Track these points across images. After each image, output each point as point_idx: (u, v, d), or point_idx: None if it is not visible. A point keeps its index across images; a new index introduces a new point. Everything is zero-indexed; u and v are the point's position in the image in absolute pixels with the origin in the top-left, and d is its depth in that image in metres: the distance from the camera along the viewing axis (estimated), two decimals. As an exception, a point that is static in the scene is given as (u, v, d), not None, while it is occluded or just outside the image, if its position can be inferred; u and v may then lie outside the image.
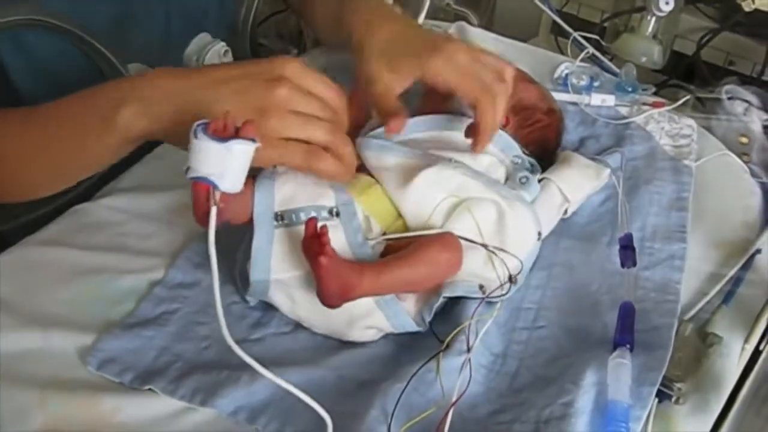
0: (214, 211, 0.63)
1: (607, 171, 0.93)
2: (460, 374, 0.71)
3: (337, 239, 0.74)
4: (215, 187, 0.63)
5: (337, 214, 0.76)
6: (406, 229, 0.80)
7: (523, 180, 0.86)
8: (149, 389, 0.72)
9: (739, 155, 1.07)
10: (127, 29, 0.98)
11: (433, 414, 0.69)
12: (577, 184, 0.91)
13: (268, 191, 0.77)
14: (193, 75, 0.76)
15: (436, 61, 0.83)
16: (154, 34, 1.02)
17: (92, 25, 0.91)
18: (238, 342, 0.62)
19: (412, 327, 0.78)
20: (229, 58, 1.08)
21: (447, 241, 0.77)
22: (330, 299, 0.71)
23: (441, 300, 0.78)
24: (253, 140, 0.63)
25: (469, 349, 0.73)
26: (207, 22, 1.07)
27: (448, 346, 0.74)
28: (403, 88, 0.86)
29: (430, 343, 0.76)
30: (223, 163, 0.62)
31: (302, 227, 0.72)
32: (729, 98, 1.14)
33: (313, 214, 0.75)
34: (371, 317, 0.77)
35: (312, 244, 0.70)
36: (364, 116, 0.89)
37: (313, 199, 0.77)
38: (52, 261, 0.84)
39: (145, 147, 1.00)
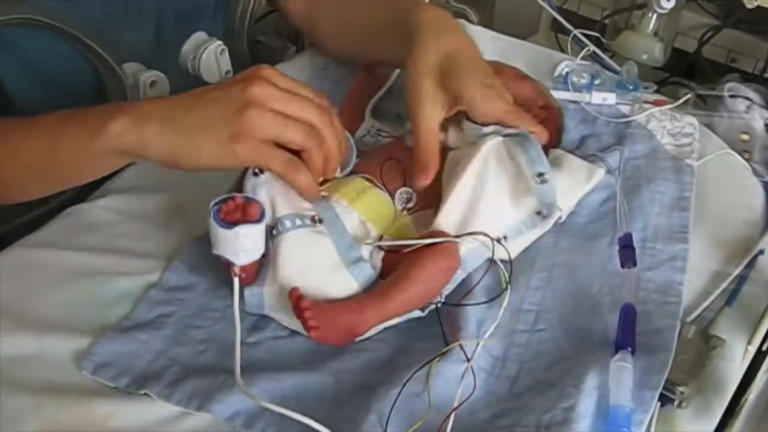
0: (236, 282, 0.71)
1: (601, 171, 0.91)
2: (462, 380, 0.71)
3: (325, 246, 0.73)
4: (232, 264, 0.71)
5: (320, 221, 0.75)
6: (405, 231, 0.79)
7: None
8: (145, 394, 0.71)
9: (740, 153, 1.06)
10: (122, 28, 0.97)
11: (432, 419, 0.68)
12: (568, 189, 0.89)
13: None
14: (181, 97, 0.77)
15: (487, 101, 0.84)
16: (149, 33, 1.01)
17: (87, 25, 0.90)
18: (233, 349, 0.61)
19: (418, 313, 0.78)
20: (226, 56, 1.08)
21: (443, 250, 0.76)
22: (339, 345, 0.73)
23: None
24: (259, 221, 0.70)
25: (469, 359, 0.73)
26: (203, 21, 1.06)
27: (446, 352, 0.73)
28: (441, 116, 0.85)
29: (430, 345, 0.75)
30: (235, 246, 0.70)
31: (290, 234, 0.72)
32: (731, 96, 1.13)
33: (298, 222, 0.74)
34: None
35: (299, 316, 0.70)
36: (360, 117, 0.89)
37: (296, 206, 0.76)
38: (46, 263, 0.83)
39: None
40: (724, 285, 0.85)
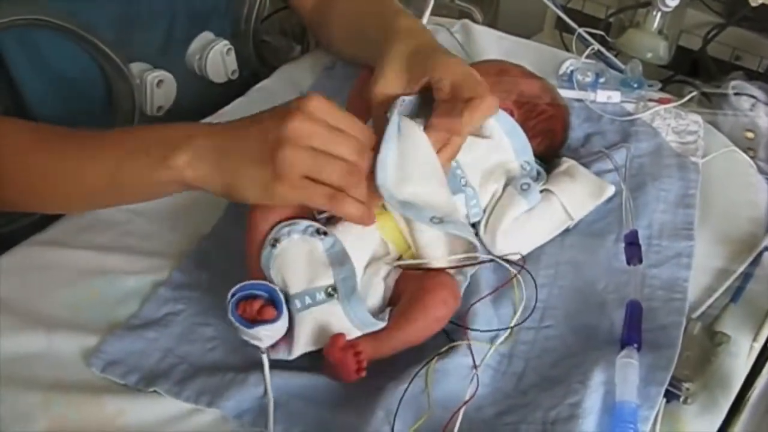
0: (265, 361, 0.72)
1: (612, 188, 0.91)
2: (470, 378, 0.71)
3: (337, 317, 0.72)
4: (259, 348, 0.72)
5: (335, 290, 0.73)
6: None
7: (525, 186, 0.85)
8: (154, 391, 0.72)
9: (745, 150, 1.06)
10: (130, 28, 0.97)
11: (439, 416, 0.69)
12: (581, 201, 0.89)
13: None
14: (232, 127, 0.76)
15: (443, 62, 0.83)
16: (157, 33, 1.01)
17: (95, 25, 0.90)
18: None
19: None
20: (232, 56, 1.08)
21: (443, 285, 0.76)
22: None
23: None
24: (275, 319, 0.70)
25: (476, 366, 0.73)
26: (210, 21, 1.07)
27: (453, 348, 0.74)
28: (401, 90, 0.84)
29: (436, 342, 0.75)
30: (256, 338, 0.70)
31: (304, 314, 0.72)
32: (735, 94, 1.13)
33: (308, 301, 0.72)
34: None
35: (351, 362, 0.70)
36: (365, 114, 0.89)
37: (308, 282, 0.73)
38: (55, 262, 0.83)
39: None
40: (729, 282, 0.85)
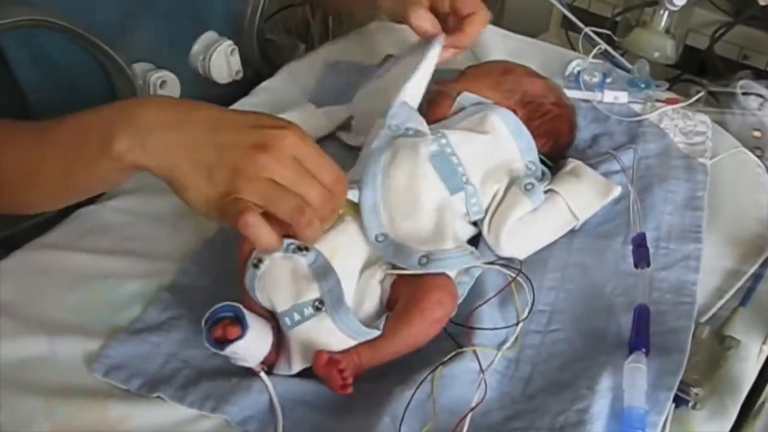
0: (263, 377, 0.72)
1: (618, 188, 0.90)
2: (477, 383, 0.71)
3: (329, 330, 0.72)
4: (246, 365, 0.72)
5: (322, 303, 0.72)
6: None
7: (528, 186, 0.84)
8: (157, 397, 0.71)
9: (752, 150, 1.05)
10: (132, 28, 0.96)
11: (446, 421, 0.68)
12: (586, 201, 0.88)
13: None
14: (186, 113, 0.72)
15: None
16: (159, 33, 1.01)
17: (98, 25, 0.90)
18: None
19: None
20: (236, 56, 1.07)
21: (440, 286, 0.75)
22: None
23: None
24: (240, 336, 0.69)
25: (483, 370, 0.73)
26: (213, 20, 1.06)
27: (459, 354, 0.73)
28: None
29: (444, 346, 0.75)
30: (237, 357, 0.71)
31: (294, 331, 0.72)
32: (744, 93, 1.12)
33: (297, 317, 0.72)
34: None
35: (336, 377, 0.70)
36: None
37: (294, 298, 0.73)
38: (57, 265, 0.83)
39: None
40: (738, 284, 0.85)
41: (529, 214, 0.85)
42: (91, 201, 0.91)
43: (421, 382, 0.69)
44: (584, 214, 0.88)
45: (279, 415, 0.69)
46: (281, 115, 0.99)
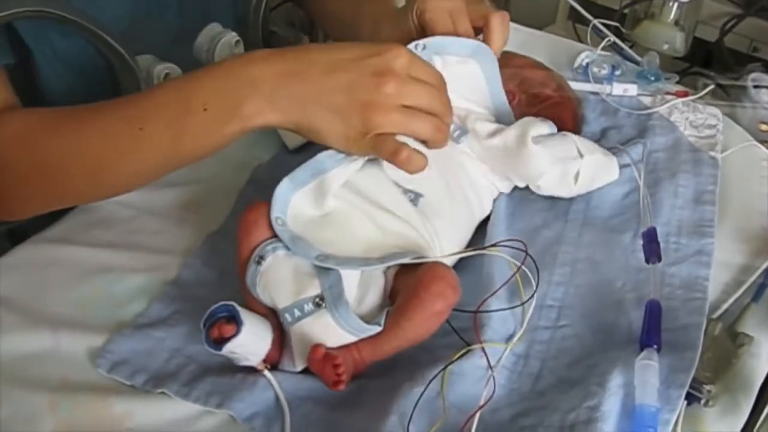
0: (268, 375, 0.71)
1: (617, 168, 0.92)
2: (486, 381, 0.69)
3: (330, 326, 0.71)
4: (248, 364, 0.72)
5: (322, 300, 0.72)
6: None
7: (542, 119, 0.88)
8: (161, 392, 0.70)
9: (760, 143, 1.03)
10: (136, 20, 0.96)
11: (455, 419, 0.67)
12: (591, 146, 0.90)
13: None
14: (297, 62, 0.75)
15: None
16: (163, 25, 1.00)
17: (101, 16, 0.89)
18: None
19: None
20: (240, 48, 1.06)
21: (440, 277, 0.73)
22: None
23: None
24: (235, 334, 0.68)
25: (491, 367, 0.71)
26: (217, 12, 1.05)
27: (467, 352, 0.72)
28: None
29: (451, 341, 0.73)
30: (237, 356, 0.70)
31: (295, 327, 0.71)
32: (755, 86, 1.11)
33: (297, 314, 0.71)
34: None
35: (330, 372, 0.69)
36: None
37: (295, 294, 0.72)
38: (60, 259, 0.82)
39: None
40: (750, 280, 0.83)
41: (542, 137, 0.87)
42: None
43: (430, 381, 0.68)
44: (589, 155, 0.88)
45: (286, 411, 0.68)
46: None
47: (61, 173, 0.78)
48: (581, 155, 0.88)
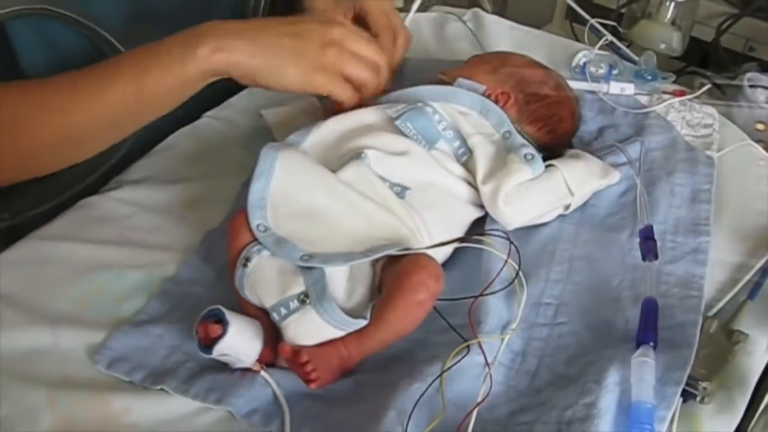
0: (264, 375, 0.72)
1: (617, 174, 0.91)
2: (483, 377, 0.70)
3: (316, 322, 0.71)
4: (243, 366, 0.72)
5: (307, 296, 0.72)
6: None
7: (528, 157, 0.85)
8: (160, 389, 0.70)
9: (756, 142, 1.04)
10: (134, 20, 0.96)
11: (452, 414, 0.67)
12: (583, 178, 0.88)
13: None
14: (255, 25, 0.85)
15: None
16: (161, 25, 1.00)
17: (99, 15, 0.89)
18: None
19: None
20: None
21: (421, 267, 0.73)
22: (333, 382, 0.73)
23: None
24: (222, 335, 0.69)
25: (488, 364, 0.72)
26: (215, 12, 1.05)
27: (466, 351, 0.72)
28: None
29: (447, 338, 0.74)
30: (229, 357, 0.71)
31: (283, 324, 0.72)
32: (751, 86, 1.12)
33: (284, 311, 0.72)
34: None
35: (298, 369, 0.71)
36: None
37: (281, 292, 0.73)
38: (59, 256, 0.82)
39: (155, 137, 0.99)
40: (746, 278, 0.84)
41: (527, 182, 0.85)
42: (94, 191, 0.91)
43: (432, 381, 0.68)
44: (580, 190, 0.88)
45: (285, 407, 0.69)
46: (283, 108, 1.00)
47: (26, 130, 0.78)
48: (571, 193, 0.87)
